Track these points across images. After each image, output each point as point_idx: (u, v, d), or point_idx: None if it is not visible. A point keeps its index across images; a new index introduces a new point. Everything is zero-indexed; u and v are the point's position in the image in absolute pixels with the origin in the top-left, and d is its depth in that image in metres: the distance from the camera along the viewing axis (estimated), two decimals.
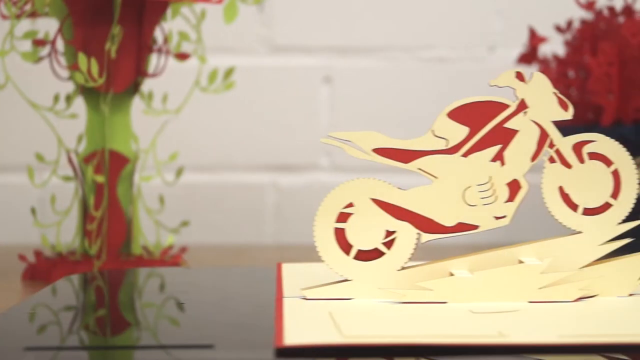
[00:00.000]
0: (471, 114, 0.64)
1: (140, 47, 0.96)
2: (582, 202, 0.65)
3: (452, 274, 0.64)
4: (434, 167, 0.64)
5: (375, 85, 1.39)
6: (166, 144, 1.06)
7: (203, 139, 1.36)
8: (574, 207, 0.65)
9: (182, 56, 0.99)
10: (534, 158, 0.64)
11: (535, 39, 1.19)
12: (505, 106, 0.64)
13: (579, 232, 0.65)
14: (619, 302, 0.63)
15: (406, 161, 0.64)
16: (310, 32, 1.40)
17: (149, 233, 1.01)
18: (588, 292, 0.64)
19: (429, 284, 0.63)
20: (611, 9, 1.16)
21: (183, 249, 1.00)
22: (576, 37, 1.19)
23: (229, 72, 1.02)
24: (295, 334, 0.52)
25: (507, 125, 0.64)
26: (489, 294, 0.63)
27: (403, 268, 0.64)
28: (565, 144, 0.64)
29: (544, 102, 0.64)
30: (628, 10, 1.15)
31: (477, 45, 1.42)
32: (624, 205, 0.65)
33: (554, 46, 1.26)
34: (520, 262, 0.64)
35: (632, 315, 0.59)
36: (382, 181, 0.64)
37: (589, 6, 1.19)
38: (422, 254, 0.67)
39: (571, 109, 0.64)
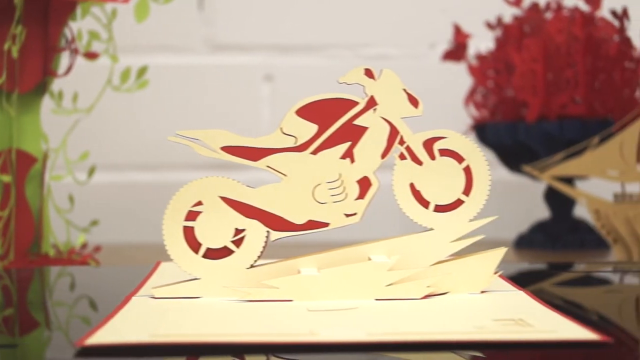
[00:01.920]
0: (320, 112, 0.63)
1: (46, 47, 0.95)
2: (434, 199, 0.64)
3: (299, 272, 0.63)
4: (283, 165, 0.63)
5: (317, 83, 1.38)
6: (77, 144, 1.06)
7: (118, 138, 1.36)
8: (425, 204, 0.64)
9: (91, 55, 0.99)
10: (384, 155, 0.64)
11: (460, 36, 1.18)
12: (355, 103, 0.63)
13: (430, 229, 0.64)
14: (466, 299, 0.62)
15: (255, 159, 0.63)
16: (251, 30, 1.40)
17: (59, 232, 1.01)
18: (436, 290, 0.64)
19: (274, 282, 0.63)
20: (536, 5, 1.16)
21: (97, 248, 1.00)
22: (503, 33, 1.19)
23: (141, 71, 1.02)
24: (106, 334, 0.51)
25: (357, 122, 0.63)
26: (336, 292, 0.63)
27: (252, 266, 0.64)
28: (416, 140, 0.64)
29: (394, 99, 0.63)
30: (555, 7, 1.14)
31: (418, 42, 1.41)
32: (475, 201, 0.64)
33: (488, 43, 1.25)
34: (369, 259, 0.63)
35: (466, 312, 0.58)
36: (231, 179, 0.64)
37: (517, 3, 1.18)
38: (273, 252, 0.66)
39: (421, 106, 0.63)
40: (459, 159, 0.64)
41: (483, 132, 1.20)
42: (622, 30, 1.11)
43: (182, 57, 1.39)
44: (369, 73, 0.63)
